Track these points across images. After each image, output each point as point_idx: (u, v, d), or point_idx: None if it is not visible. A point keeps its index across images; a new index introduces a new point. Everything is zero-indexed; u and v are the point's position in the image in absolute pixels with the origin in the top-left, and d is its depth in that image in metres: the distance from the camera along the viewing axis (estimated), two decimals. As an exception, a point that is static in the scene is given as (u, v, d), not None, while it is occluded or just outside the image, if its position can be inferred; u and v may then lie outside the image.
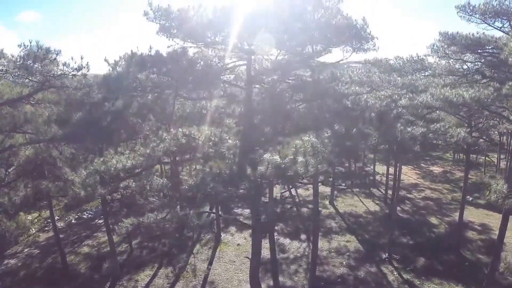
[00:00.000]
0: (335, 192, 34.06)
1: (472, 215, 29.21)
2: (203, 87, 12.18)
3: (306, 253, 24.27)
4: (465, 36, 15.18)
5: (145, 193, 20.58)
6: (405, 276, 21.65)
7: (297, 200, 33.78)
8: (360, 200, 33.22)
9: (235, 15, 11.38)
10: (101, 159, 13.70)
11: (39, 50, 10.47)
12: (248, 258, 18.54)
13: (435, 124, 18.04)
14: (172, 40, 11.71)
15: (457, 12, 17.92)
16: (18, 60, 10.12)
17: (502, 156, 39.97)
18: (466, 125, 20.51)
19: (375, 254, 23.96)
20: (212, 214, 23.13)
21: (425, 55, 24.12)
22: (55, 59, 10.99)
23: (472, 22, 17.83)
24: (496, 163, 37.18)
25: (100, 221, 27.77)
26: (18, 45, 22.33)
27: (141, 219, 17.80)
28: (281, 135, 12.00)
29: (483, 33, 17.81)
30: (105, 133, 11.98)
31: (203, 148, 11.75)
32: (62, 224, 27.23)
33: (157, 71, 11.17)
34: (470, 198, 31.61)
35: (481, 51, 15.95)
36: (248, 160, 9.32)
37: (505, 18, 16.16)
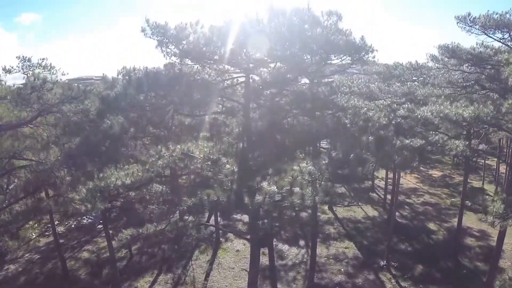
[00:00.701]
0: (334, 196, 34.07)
1: (471, 220, 29.15)
2: (201, 108, 12.16)
3: (305, 260, 24.32)
4: (465, 51, 15.08)
5: (145, 202, 20.70)
6: (403, 284, 21.70)
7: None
8: (359, 205, 33.23)
9: (232, 33, 11.35)
10: (100, 175, 13.72)
11: (36, 80, 10.44)
12: (246, 270, 18.59)
13: (433, 136, 18.03)
14: (170, 58, 11.68)
15: (457, 23, 17.84)
16: (16, 91, 10.10)
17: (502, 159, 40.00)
18: (465, 134, 20.49)
19: (373, 261, 23.99)
20: (211, 227, 23.22)
21: (424, 63, 24.07)
22: (52, 88, 10.95)
23: (472, 33, 17.77)
24: (495, 167, 37.13)
25: (100, 226, 27.82)
26: (16, 57, 22.28)
27: (140, 230, 17.91)
28: (280, 154, 11.98)
29: (483, 43, 17.79)
30: (105, 156, 11.96)
31: (201, 169, 11.73)
32: (62, 229, 27.29)
33: (155, 93, 11.14)
34: (469, 203, 31.49)
35: (482, 65, 15.85)
36: (246, 187, 9.33)
37: (505, 30, 16.07)
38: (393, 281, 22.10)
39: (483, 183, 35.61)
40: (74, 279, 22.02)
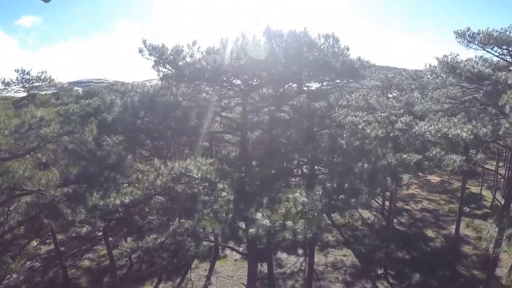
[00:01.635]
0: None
1: (469, 227, 29.14)
2: (198, 132, 12.12)
3: (303, 268, 24.32)
4: (465, 69, 14.95)
5: (144, 213, 20.69)
6: (400, 292, 21.75)
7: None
8: (357, 210, 33.16)
9: (228, 56, 11.29)
10: (100, 193, 13.72)
11: (33, 118, 10.40)
12: (244, 285, 18.60)
13: (430, 150, 17.93)
14: (167, 81, 11.62)
15: (456, 38, 17.71)
16: (13, 129, 10.06)
17: (500, 164, 39.84)
18: (463, 148, 20.38)
19: (371, 269, 23.98)
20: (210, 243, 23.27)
21: (424, 72, 23.94)
22: (49, 125, 10.92)
23: (470, 48, 17.65)
24: (494, 171, 37.01)
25: (100, 234, 27.86)
26: (15, 70, 22.10)
27: (140, 244, 17.93)
28: (276, 176, 11.95)
29: (482, 57, 17.65)
30: (104, 183, 11.96)
31: (198, 193, 11.72)
32: (62, 237, 27.33)
33: (151, 120, 11.10)
34: (467, 209, 31.46)
35: (480, 82, 15.74)
36: (241, 217, 9.31)
37: (505, 48, 15.96)
38: (390, 290, 22.13)
39: (481, 189, 35.49)
40: (75, 287, 22.09)
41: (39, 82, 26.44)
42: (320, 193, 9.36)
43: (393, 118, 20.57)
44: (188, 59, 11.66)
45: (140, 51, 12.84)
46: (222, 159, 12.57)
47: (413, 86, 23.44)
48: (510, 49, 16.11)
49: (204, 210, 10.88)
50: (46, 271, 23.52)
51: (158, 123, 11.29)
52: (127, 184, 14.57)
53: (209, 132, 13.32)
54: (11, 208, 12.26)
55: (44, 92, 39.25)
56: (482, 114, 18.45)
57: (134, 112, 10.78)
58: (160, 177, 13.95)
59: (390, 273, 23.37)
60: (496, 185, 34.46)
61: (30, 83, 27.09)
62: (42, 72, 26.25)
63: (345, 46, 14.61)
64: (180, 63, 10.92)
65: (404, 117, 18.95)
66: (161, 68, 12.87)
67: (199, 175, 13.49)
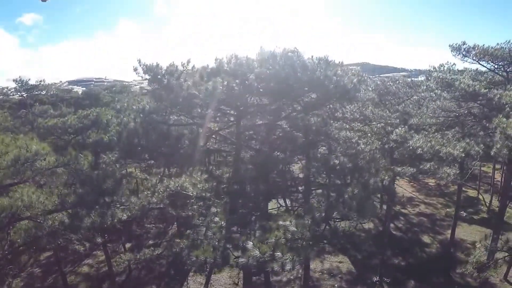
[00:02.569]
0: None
1: (465, 232, 29.21)
2: (191, 157, 12.24)
3: (299, 275, 24.45)
4: (461, 88, 14.99)
5: (142, 223, 20.89)
6: (395, 300, 21.92)
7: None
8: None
9: (221, 79, 11.33)
10: (97, 211, 13.87)
11: (28, 152, 10.48)
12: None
13: (424, 164, 18.02)
14: (161, 104, 11.71)
15: (451, 51, 17.75)
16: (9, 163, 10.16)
17: (497, 166, 39.77)
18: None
19: (367, 276, 24.11)
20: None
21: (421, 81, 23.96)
22: (45, 159, 11.01)
23: (466, 61, 17.70)
24: (491, 174, 37.06)
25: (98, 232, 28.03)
26: (13, 80, 22.16)
27: (138, 256, 18.15)
28: (269, 197, 12.06)
29: (478, 71, 17.72)
30: (100, 210, 12.13)
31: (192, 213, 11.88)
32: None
33: (146, 144, 11.22)
34: (464, 213, 31.56)
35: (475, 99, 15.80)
36: (233, 245, 9.48)
37: (500, 63, 15.99)
38: (385, 297, 22.30)
39: (478, 192, 35.52)
40: (74, 295, 22.31)
41: (37, 90, 26.63)
42: (309, 222, 9.48)
43: (389, 128, 20.63)
44: (181, 80, 11.73)
45: (135, 69, 12.97)
46: (217, 178, 12.65)
47: (409, 96, 23.42)
48: (505, 64, 16.14)
49: (198, 235, 11.01)
50: (45, 278, 23.71)
51: (153, 149, 11.41)
52: (124, 200, 14.70)
53: (204, 150, 13.41)
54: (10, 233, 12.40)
55: (44, 92, 39.47)
56: (476, 126, 18.47)
57: (129, 139, 10.90)
58: (156, 194, 14.10)
59: (385, 281, 23.50)
60: (493, 188, 34.51)
61: (28, 92, 27.24)
62: (41, 81, 26.45)
63: (339, 62, 14.69)
64: (173, 89, 10.98)
65: (400, 128, 19.00)
66: (155, 86, 13.02)
67: (194, 193, 13.64)
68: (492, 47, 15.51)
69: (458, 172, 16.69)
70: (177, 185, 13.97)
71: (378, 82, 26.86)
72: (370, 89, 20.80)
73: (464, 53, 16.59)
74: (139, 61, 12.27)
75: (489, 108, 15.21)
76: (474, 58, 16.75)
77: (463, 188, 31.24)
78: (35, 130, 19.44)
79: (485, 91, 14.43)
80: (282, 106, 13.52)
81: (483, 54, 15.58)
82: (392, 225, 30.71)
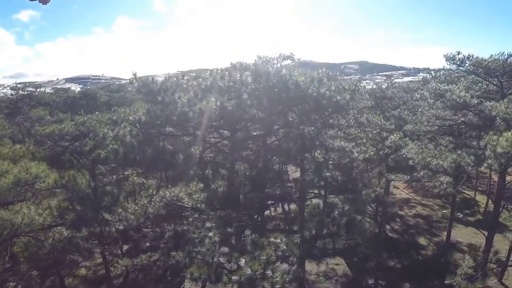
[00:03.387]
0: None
1: (461, 234, 29.54)
2: (185, 175, 12.59)
3: (298, 270, 24.87)
4: (452, 99, 15.29)
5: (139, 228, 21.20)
6: (389, 304, 22.36)
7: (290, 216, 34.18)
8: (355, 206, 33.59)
9: (215, 94, 11.63)
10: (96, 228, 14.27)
11: (28, 175, 10.79)
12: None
13: (419, 171, 18.37)
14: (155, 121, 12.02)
15: (446, 60, 18.01)
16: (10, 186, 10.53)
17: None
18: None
19: (362, 279, 24.52)
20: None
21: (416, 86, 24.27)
22: (44, 181, 11.35)
23: (461, 70, 17.98)
24: (488, 175, 37.41)
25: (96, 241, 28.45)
26: (11, 88, 22.50)
27: (135, 261, 18.58)
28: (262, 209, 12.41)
29: (473, 80, 18.00)
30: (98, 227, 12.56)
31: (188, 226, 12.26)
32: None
33: (142, 159, 11.56)
34: (460, 215, 31.90)
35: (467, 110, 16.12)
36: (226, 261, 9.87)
37: (493, 74, 16.28)
38: (380, 300, 22.74)
39: (475, 194, 35.92)
40: (73, 299, 22.75)
41: (32, 89, 26.77)
42: (298, 241, 9.86)
43: (384, 134, 20.95)
44: (176, 96, 12.03)
45: (131, 82, 13.25)
46: (212, 191, 13.00)
47: (405, 100, 23.77)
48: (498, 75, 16.41)
49: (193, 248, 11.38)
50: (44, 280, 24.12)
51: (149, 164, 11.76)
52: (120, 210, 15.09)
53: (199, 162, 13.74)
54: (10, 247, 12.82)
55: (42, 89, 39.66)
56: (470, 135, 18.78)
57: (125, 155, 11.25)
58: (152, 204, 14.46)
59: (380, 283, 23.92)
60: (489, 189, 34.86)
61: (23, 95, 27.50)
62: (36, 87, 26.59)
63: (333, 75, 14.98)
64: (168, 106, 11.29)
65: (395, 135, 19.33)
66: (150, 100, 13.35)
67: (190, 204, 14.00)
68: (485, 60, 15.77)
69: (451, 180, 17.01)
70: (173, 195, 14.35)
71: (374, 86, 27.26)
72: (366, 96, 21.08)
73: (458, 63, 16.86)
74: (135, 76, 12.55)
75: (482, 118, 15.53)
76: (468, 68, 17.01)
77: (460, 190, 31.57)
78: (32, 137, 19.80)
79: (476, 102, 14.73)
80: (275, 118, 13.81)
81: (476, 66, 15.86)
82: (388, 226, 31.12)
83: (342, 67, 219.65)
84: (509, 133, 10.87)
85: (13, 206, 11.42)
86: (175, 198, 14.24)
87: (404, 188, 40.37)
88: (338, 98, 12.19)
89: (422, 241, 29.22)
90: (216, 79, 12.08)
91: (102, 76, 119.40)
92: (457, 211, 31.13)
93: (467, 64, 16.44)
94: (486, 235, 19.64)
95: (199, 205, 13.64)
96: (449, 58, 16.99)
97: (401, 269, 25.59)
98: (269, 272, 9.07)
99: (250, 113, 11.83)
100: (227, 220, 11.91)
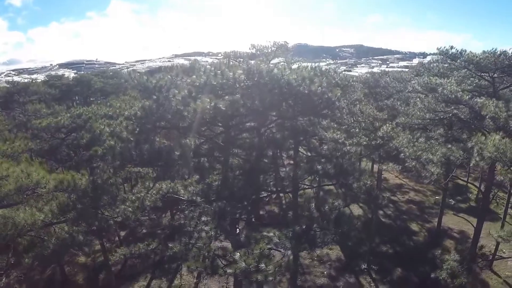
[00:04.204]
0: (321, 192, 35.02)
1: (453, 220, 30.26)
2: (180, 174, 13.05)
3: (290, 262, 25.65)
4: (444, 94, 15.67)
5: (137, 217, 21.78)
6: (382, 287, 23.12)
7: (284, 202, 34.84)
8: (346, 199, 34.24)
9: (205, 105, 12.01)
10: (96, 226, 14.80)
11: (30, 181, 11.18)
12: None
13: (410, 161, 18.89)
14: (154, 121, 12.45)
15: (439, 54, 18.33)
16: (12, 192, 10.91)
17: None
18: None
19: (355, 263, 25.23)
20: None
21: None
22: (45, 187, 11.73)
23: (454, 65, 18.31)
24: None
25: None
26: (6, 82, 22.70)
27: (132, 251, 19.20)
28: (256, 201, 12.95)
29: (465, 74, 18.38)
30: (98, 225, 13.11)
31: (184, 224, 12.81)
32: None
33: (139, 158, 12.00)
34: (452, 202, 32.58)
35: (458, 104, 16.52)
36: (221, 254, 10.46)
37: (486, 72, 16.60)
38: (372, 284, 23.49)
39: (467, 180, 36.63)
40: (73, 285, 23.43)
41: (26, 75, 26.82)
42: (290, 235, 10.45)
43: (377, 124, 21.41)
44: (170, 94, 12.40)
45: (126, 80, 13.56)
46: (207, 184, 13.50)
47: (398, 90, 24.19)
48: (489, 71, 16.74)
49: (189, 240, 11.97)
50: (44, 269, 24.77)
51: (145, 163, 12.22)
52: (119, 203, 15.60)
53: (194, 154, 14.18)
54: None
55: (35, 76, 39.84)
56: (461, 129, 19.23)
57: (122, 155, 11.69)
58: (149, 197, 14.96)
59: (373, 268, 24.70)
60: (482, 176, 35.54)
61: (19, 88, 27.66)
62: (30, 73, 26.55)
63: (326, 70, 15.35)
64: (163, 104, 11.67)
65: (387, 125, 19.77)
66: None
67: (186, 196, 14.52)
68: (477, 56, 16.05)
69: (441, 171, 17.50)
70: (169, 187, 14.86)
71: (369, 70, 27.64)
72: (360, 85, 21.46)
73: (451, 57, 17.16)
74: (130, 74, 12.89)
75: (472, 112, 15.96)
76: (461, 62, 17.30)
77: (453, 176, 32.21)
78: (29, 131, 20.12)
79: (467, 97, 15.13)
80: (268, 111, 14.20)
81: (468, 62, 16.17)
82: (381, 212, 31.86)
83: (337, 50, 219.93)
84: (496, 137, 11.31)
85: (16, 207, 11.87)
86: (171, 190, 14.79)
87: (397, 173, 41.06)
88: (329, 95, 12.62)
89: (414, 227, 30.02)
90: (209, 77, 12.41)
91: (96, 61, 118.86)
92: (449, 197, 31.86)
93: (459, 60, 16.73)
94: (474, 225, 20.31)
95: (194, 198, 14.18)
96: (443, 52, 17.29)
97: (394, 254, 26.36)
98: (262, 266, 9.66)
99: (243, 109, 12.20)
100: (221, 213, 12.44)
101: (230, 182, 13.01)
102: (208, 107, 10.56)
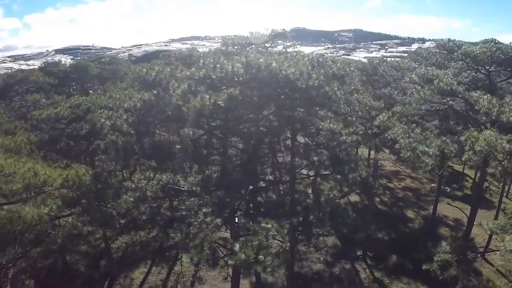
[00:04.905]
0: (318, 179, 35.51)
1: (448, 208, 30.58)
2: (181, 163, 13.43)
3: (287, 248, 26.28)
4: (440, 86, 15.99)
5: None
6: (376, 274, 23.70)
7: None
8: (342, 189, 34.85)
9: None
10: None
11: (37, 180, 11.51)
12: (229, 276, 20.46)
13: (404, 152, 19.32)
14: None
15: (437, 48, 18.62)
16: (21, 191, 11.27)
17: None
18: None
19: (351, 250, 25.83)
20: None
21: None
22: (52, 185, 12.10)
23: (452, 58, 18.59)
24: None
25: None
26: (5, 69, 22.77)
27: (133, 238, 19.75)
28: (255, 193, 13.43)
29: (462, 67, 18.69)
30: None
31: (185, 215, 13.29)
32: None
33: (141, 152, 12.40)
34: (448, 189, 32.99)
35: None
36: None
37: (482, 66, 16.89)
38: (367, 271, 24.14)
39: (464, 168, 37.23)
40: (75, 272, 24.00)
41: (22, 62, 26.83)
42: (287, 227, 10.94)
43: (374, 113, 21.74)
44: (170, 89, 12.71)
45: (125, 73, 13.84)
46: (207, 176, 13.92)
47: (395, 79, 24.45)
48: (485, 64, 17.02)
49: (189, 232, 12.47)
50: (45, 257, 25.21)
51: (147, 157, 12.63)
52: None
53: (193, 148, 14.59)
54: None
55: (31, 62, 39.86)
56: (456, 121, 19.60)
57: (125, 149, 12.08)
58: (150, 188, 15.37)
59: (368, 255, 25.32)
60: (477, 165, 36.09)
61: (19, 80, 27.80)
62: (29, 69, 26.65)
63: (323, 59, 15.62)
64: (163, 98, 11.99)
65: (383, 114, 20.11)
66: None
67: (186, 187, 14.94)
68: (474, 50, 16.33)
69: (436, 163, 17.86)
70: (169, 177, 15.26)
71: (368, 55, 27.86)
72: (356, 79, 21.76)
73: (449, 50, 17.44)
74: (130, 69, 13.21)
75: (468, 104, 16.32)
76: (459, 56, 17.58)
77: (449, 163, 32.68)
78: (28, 122, 20.36)
79: (463, 90, 15.46)
80: (266, 103, 14.55)
81: (465, 55, 16.45)
82: (377, 199, 32.43)
83: (336, 35, 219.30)
84: (488, 132, 11.72)
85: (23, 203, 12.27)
86: (171, 181, 15.20)
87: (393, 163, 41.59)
88: (326, 89, 12.96)
89: (410, 214, 30.65)
90: (208, 70, 12.68)
91: (92, 46, 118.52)
92: (445, 185, 32.38)
93: (456, 53, 17.00)
94: (467, 215, 20.82)
95: (194, 188, 14.60)
96: (441, 46, 17.56)
97: (389, 241, 27.03)
98: (261, 257, 10.16)
99: (242, 104, 12.53)
100: (221, 204, 12.91)
101: (228, 172, 13.42)
102: (208, 103, 10.87)
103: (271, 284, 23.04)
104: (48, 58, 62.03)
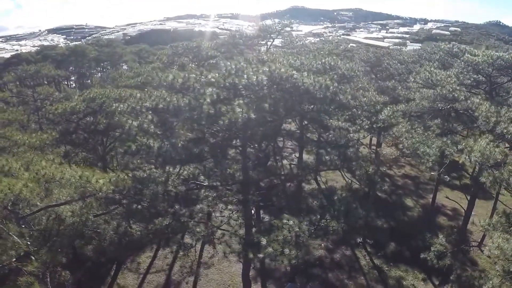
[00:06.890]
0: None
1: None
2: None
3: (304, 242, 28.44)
4: (441, 94, 17.95)
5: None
6: (376, 261, 25.88)
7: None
8: (343, 175, 37.04)
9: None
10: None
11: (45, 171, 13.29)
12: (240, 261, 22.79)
13: (407, 146, 21.50)
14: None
15: (443, 53, 20.61)
16: None
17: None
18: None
19: (351, 237, 27.79)
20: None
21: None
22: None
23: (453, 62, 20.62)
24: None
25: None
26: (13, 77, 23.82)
27: (149, 227, 21.75)
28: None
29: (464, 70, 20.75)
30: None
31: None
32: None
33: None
34: (447, 178, 34.85)
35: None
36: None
37: (482, 74, 18.87)
38: (367, 258, 26.35)
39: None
40: (83, 257, 25.98)
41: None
42: (307, 224, 13.31)
43: (379, 107, 23.85)
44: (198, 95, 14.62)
45: (153, 78, 15.70)
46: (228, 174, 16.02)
47: (400, 72, 26.43)
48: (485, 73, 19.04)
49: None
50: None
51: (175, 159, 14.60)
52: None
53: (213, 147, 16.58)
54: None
55: (23, 42, 40.59)
56: (457, 122, 21.61)
57: (164, 158, 14.14)
58: (169, 182, 17.36)
59: (368, 242, 27.62)
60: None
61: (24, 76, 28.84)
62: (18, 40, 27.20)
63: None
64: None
65: (388, 109, 22.19)
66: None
67: (206, 182, 16.99)
68: (476, 59, 18.30)
69: (438, 158, 19.89)
70: (189, 172, 17.26)
71: (371, 55, 29.80)
72: (361, 76, 23.69)
73: (453, 55, 19.36)
74: (157, 74, 15.05)
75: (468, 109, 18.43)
76: (460, 64, 19.55)
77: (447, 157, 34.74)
78: (42, 116, 21.82)
79: (463, 95, 17.53)
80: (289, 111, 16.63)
81: (467, 64, 18.41)
82: (377, 186, 34.59)
83: (335, 14, 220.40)
84: (483, 142, 13.83)
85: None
86: (191, 176, 17.24)
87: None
88: (341, 97, 15.06)
89: (409, 202, 32.88)
90: (234, 79, 14.45)
91: (85, 26, 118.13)
92: (444, 173, 34.56)
93: (459, 59, 18.94)
94: (467, 204, 23.06)
95: (214, 183, 16.69)
96: (445, 51, 19.50)
97: (388, 229, 29.11)
98: (287, 250, 12.49)
99: (268, 113, 14.63)
100: (244, 200, 15.12)
101: (248, 170, 15.53)
102: (240, 117, 12.72)
103: (275, 269, 25.36)
104: (40, 38, 62.18)
